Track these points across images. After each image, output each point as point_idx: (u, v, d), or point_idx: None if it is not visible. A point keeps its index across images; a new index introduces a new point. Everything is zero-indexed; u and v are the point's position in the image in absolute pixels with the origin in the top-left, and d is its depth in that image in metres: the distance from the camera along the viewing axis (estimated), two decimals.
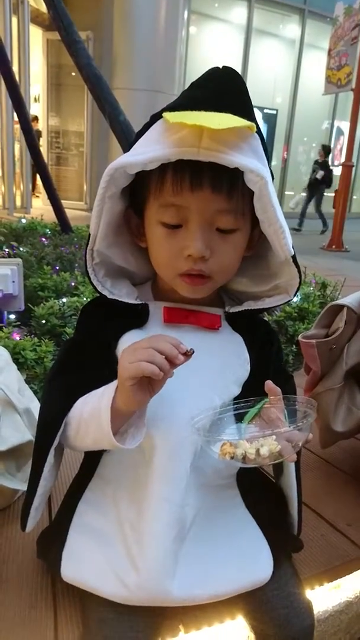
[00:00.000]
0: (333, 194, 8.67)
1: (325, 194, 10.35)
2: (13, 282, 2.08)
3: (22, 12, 7.57)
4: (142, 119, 0.83)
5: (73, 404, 0.81)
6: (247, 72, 11.36)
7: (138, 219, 0.86)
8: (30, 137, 4.04)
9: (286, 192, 12.97)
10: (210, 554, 0.82)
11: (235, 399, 0.86)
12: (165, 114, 0.73)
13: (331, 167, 10.21)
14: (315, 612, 0.88)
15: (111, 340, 0.86)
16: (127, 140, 2.64)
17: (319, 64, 10.39)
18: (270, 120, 12.44)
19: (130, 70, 8.18)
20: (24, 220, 4.40)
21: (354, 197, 14.13)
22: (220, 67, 0.78)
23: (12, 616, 0.86)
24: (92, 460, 0.91)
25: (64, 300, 2.36)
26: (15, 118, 4.79)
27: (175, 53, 8.46)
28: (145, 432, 0.77)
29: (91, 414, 0.77)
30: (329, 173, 10.08)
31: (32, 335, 2.01)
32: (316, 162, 10.37)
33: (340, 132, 13.75)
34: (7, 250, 3.22)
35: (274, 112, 12.48)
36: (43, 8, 5.09)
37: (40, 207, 8.20)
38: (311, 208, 10.30)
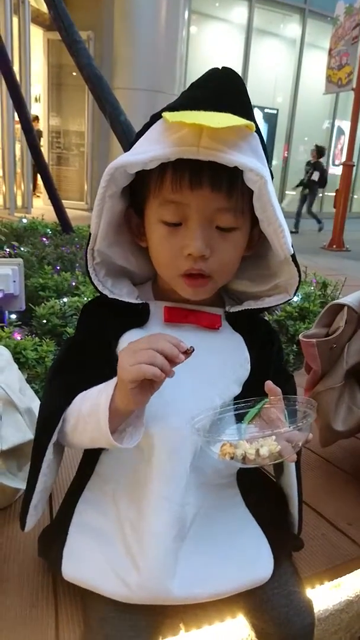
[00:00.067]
0: (333, 194, 8.66)
1: (318, 194, 10.34)
2: (14, 282, 2.09)
3: (22, 12, 7.57)
4: (143, 118, 0.83)
5: (72, 400, 0.81)
6: (247, 72, 11.36)
7: (138, 218, 0.86)
8: (31, 137, 4.05)
9: (287, 192, 12.97)
10: (211, 553, 0.82)
11: (235, 398, 0.86)
12: (165, 114, 0.73)
13: (325, 168, 10.19)
14: (315, 610, 0.88)
15: (112, 339, 0.86)
16: (128, 140, 2.64)
17: (319, 64, 10.38)
18: (271, 119, 12.44)
19: (130, 70, 8.18)
20: (24, 220, 4.40)
21: (355, 196, 14.12)
22: (220, 68, 0.78)
23: (14, 615, 0.87)
24: (91, 459, 0.91)
25: (65, 300, 2.36)
26: (16, 118, 4.79)
27: (176, 53, 8.45)
28: (145, 431, 0.77)
29: (89, 411, 0.77)
30: (323, 173, 10.06)
31: (33, 335, 2.01)
32: (309, 162, 10.32)
33: (341, 131, 13.74)
34: (8, 250, 3.22)
35: (275, 111, 12.48)
36: (44, 8, 5.09)
37: (41, 207, 8.21)
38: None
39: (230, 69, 0.78)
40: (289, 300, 0.89)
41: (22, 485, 1.11)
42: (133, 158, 0.75)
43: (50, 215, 4.42)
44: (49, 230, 4.20)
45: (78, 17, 3.62)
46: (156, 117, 0.79)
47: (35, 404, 1.22)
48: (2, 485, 1.08)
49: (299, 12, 12.12)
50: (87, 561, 0.82)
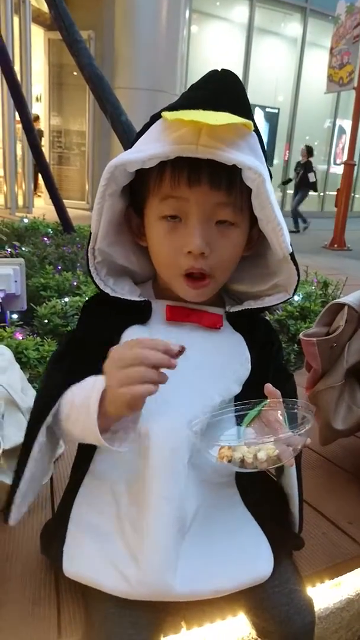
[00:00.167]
0: (335, 193, 8.66)
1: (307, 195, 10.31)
2: (15, 281, 2.09)
3: (23, 12, 7.57)
4: (144, 118, 0.84)
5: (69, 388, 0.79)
6: (248, 71, 11.36)
7: (138, 218, 0.87)
8: (32, 136, 4.05)
9: (288, 192, 12.96)
10: (211, 551, 0.82)
11: (235, 397, 0.87)
12: (164, 113, 0.74)
13: (314, 169, 10.13)
14: (316, 609, 0.88)
15: (114, 336, 0.85)
16: (129, 139, 2.65)
17: (320, 63, 10.38)
18: (272, 119, 12.44)
19: (131, 69, 8.18)
20: (26, 220, 4.41)
21: (356, 195, 14.11)
22: (219, 70, 0.80)
23: (16, 613, 0.87)
24: (85, 456, 0.90)
25: (66, 299, 2.37)
26: (17, 117, 4.80)
27: (177, 52, 8.46)
28: (143, 428, 0.78)
29: (81, 403, 0.74)
30: (314, 174, 10.03)
31: (35, 335, 2.02)
32: (299, 163, 10.27)
33: (342, 130, 13.74)
34: (9, 250, 3.23)
35: (276, 110, 12.48)
36: (44, 8, 5.09)
37: (42, 206, 8.22)
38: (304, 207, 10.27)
39: (230, 71, 0.79)
40: (289, 299, 0.89)
41: None
42: (132, 156, 0.76)
43: (51, 214, 4.43)
44: (50, 230, 4.21)
45: (79, 16, 3.62)
46: (156, 117, 0.80)
47: None
48: (4, 484, 1.08)
49: (300, 11, 12.12)
50: (87, 558, 0.82)
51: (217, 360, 0.87)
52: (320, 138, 13.86)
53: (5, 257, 2.97)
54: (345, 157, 8.47)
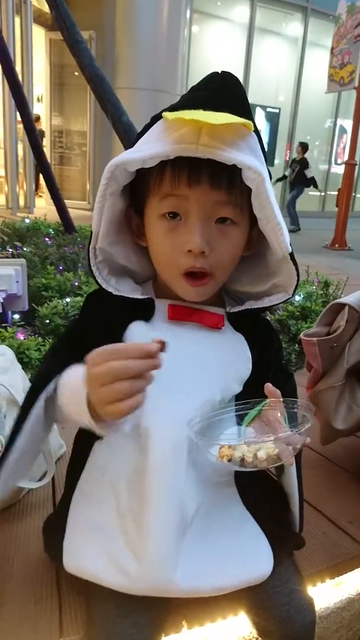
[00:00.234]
0: (336, 193, 8.66)
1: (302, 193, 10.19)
2: (17, 282, 2.10)
3: (24, 12, 7.59)
4: (145, 118, 0.85)
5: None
6: (249, 71, 11.36)
7: (138, 218, 0.87)
8: (34, 137, 4.06)
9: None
10: (211, 549, 0.82)
11: (236, 397, 0.87)
12: (165, 113, 0.74)
13: (309, 165, 9.96)
14: (316, 608, 0.88)
15: (116, 332, 0.84)
16: (130, 140, 2.65)
17: (321, 62, 10.37)
18: (273, 118, 12.43)
19: (132, 69, 8.18)
20: (27, 220, 4.42)
21: (357, 195, 14.10)
22: (219, 72, 0.80)
23: (18, 613, 0.87)
24: (83, 449, 0.90)
25: (68, 300, 2.37)
26: (19, 118, 4.81)
27: (178, 52, 8.45)
28: (143, 425, 0.78)
29: (76, 385, 0.72)
30: (308, 169, 9.85)
31: (36, 335, 2.02)
32: (294, 160, 10.10)
33: (343, 130, 13.72)
34: (10, 250, 3.24)
35: (277, 110, 12.47)
36: (46, 8, 5.10)
37: (44, 206, 8.22)
38: (301, 206, 10.15)
39: (229, 72, 0.80)
40: (289, 299, 0.90)
41: (26, 484, 1.12)
42: (133, 155, 0.76)
43: (52, 215, 4.44)
44: (51, 230, 4.22)
45: (79, 16, 3.63)
46: (156, 118, 0.81)
47: None
48: None
49: (301, 11, 12.11)
50: (87, 552, 0.82)
51: (218, 359, 0.87)
52: (321, 138, 13.85)
53: (7, 257, 2.98)
54: (346, 157, 8.46)
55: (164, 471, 0.79)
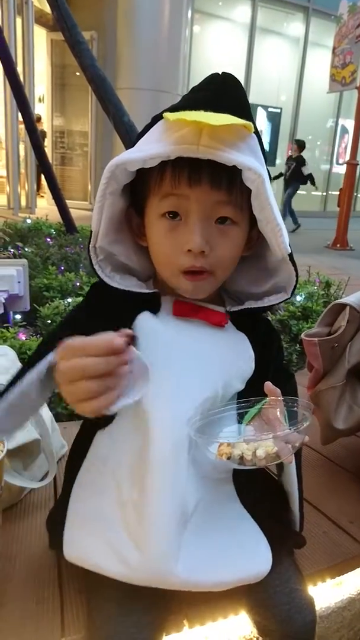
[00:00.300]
0: (337, 193, 8.65)
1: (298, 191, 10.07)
2: (19, 282, 2.11)
3: (26, 13, 7.60)
4: (146, 118, 0.85)
5: None
6: (251, 71, 11.36)
7: (138, 217, 0.88)
8: (35, 137, 4.07)
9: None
10: (211, 544, 0.82)
11: (238, 395, 0.88)
12: (166, 114, 0.75)
13: (306, 163, 9.79)
14: (317, 608, 0.88)
15: (126, 320, 0.84)
16: (131, 140, 2.65)
17: (323, 62, 10.36)
18: (275, 118, 12.43)
19: (134, 70, 8.18)
20: (29, 221, 4.43)
21: (359, 195, 14.09)
22: (220, 73, 0.81)
23: (20, 612, 0.88)
24: (85, 439, 0.90)
25: (69, 300, 2.38)
26: (20, 118, 4.82)
27: (179, 52, 8.45)
28: (146, 414, 0.79)
29: None
30: (305, 166, 9.70)
31: (38, 335, 2.03)
32: (290, 157, 9.95)
33: (344, 130, 13.71)
34: (12, 250, 3.24)
35: (278, 110, 12.47)
36: (47, 8, 5.11)
37: (45, 207, 8.24)
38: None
39: (230, 74, 0.80)
40: (288, 299, 0.90)
41: (28, 484, 1.13)
42: (133, 155, 0.77)
43: (54, 215, 4.44)
44: (53, 230, 4.22)
45: (81, 17, 3.64)
46: (157, 118, 0.81)
47: None
48: (8, 483, 1.09)
49: (303, 11, 12.10)
50: (88, 541, 0.82)
51: (221, 357, 0.88)
52: (322, 138, 13.85)
53: (9, 257, 2.99)
54: (347, 157, 8.46)
55: (166, 464, 0.79)
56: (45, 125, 9.92)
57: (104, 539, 0.81)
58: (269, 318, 2.51)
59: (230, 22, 11.47)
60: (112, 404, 0.59)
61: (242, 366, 0.90)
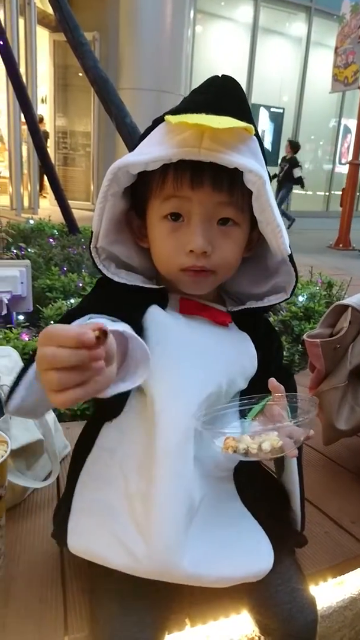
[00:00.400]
0: (340, 193, 8.64)
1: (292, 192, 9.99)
2: (22, 283, 2.12)
3: (28, 14, 7.61)
4: (149, 119, 0.86)
5: None
6: (253, 71, 11.35)
7: (139, 219, 0.89)
8: (38, 138, 4.08)
9: (293, 191, 12.94)
10: (215, 540, 0.82)
11: (241, 393, 0.89)
12: (168, 117, 0.76)
13: (300, 164, 9.70)
14: (319, 607, 0.89)
15: (136, 312, 0.83)
16: (134, 141, 2.66)
17: (325, 62, 10.34)
18: (277, 118, 12.42)
19: (136, 70, 8.20)
20: (31, 221, 4.44)
21: None
22: (220, 75, 0.82)
23: (23, 611, 0.88)
24: (92, 431, 0.91)
25: (72, 301, 2.39)
26: (23, 119, 4.83)
27: (181, 52, 8.46)
28: (153, 407, 0.80)
29: None
30: (297, 168, 9.56)
31: None
32: (284, 158, 9.79)
33: (347, 130, 13.70)
34: (15, 251, 3.25)
35: (281, 110, 12.46)
36: (50, 9, 5.12)
37: (48, 207, 8.25)
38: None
39: (230, 76, 0.81)
40: (287, 299, 0.91)
41: (31, 484, 1.14)
42: (136, 158, 0.78)
43: (56, 215, 4.45)
44: (55, 231, 4.23)
45: (83, 17, 3.65)
46: (158, 121, 0.82)
47: None
48: (11, 483, 1.09)
49: (305, 11, 12.09)
50: (93, 533, 0.82)
51: (225, 354, 0.89)
52: (325, 138, 13.83)
53: (12, 258, 3.00)
54: (350, 157, 8.45)
55: (173, 456, 0.80)
56: (47, 126, 9.92)
57: (110, 530, 0.81)
58: (270, 319, 2.51)
59: (232, 22, 11.46)
60: (79, 400, 0.54)
61: (246, 364, 0.91)
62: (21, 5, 7.37)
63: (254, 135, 0.78)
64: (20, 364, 1.30)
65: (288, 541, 0.94)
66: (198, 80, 0.84)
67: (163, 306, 0.88)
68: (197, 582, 0.80)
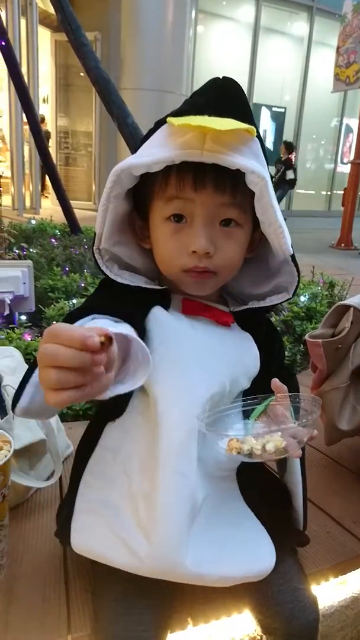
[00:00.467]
0: (342, 192, 8.63)
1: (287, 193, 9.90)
2: (24, 283, 2.12)
3: (30, 14, 7.61)
4: (150, 119, 0.86)
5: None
6: (255, 71, 11.34)
7: (141, 221, 0.89)
8: (39, 138, 4.09)
9: (296, 191, 12.93)
10: (216, 540, 0.83)
11: (243, 393, 0.89)
12: (170, 119, 0.76)
13: (295, 166, 9.64)
14: (320, 607, 0.89)
15: (140, 312, 0.84)
16: (136, 142, 2.66)
17: (327, 62, 10.33)
18: (279, 118, 12.41)
19: (138, 70, 8.19)
20: (33, 222, 4.45)
21: None
22: (220, 77, 0.82)
23: (26, 609, 0.89)
24: (95, 430, 0.91)
25: (74, 301, 2.39)
26: (25, 119, 4.84)
27: (183, 52, 8.45)
28: (158, 406, 0.80)
29: None
30: (294, 171, 9.53)
31: None
32: (279, 159, 9.66)
33: (349, 129, 13.67)
34: (17, 251, 3.26)
35: (283, 110, 12.44)
36: (51, 9, 5.12)
37: (50, 207, 8.26)
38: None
39: (231, 78, 0.82)
40: (289, 299, 0.92)
41: (34, 484, 1.14)
42: (138, 160, 0.78)
43: (58, 215, 4.46)
44: (57, 231, 4.24)
45: (85, 17, 3.65)
46: (160, 123, 0.82)
47: None
48: (14, 483, 1.10)
49: (307, 10, 12.07)
50: (96, 532, 0.83)
51: (230, 354, 0.89)
52: (327, 137, 13.81)
53: (14, 259, 3.00)
54: (352, 156, 8.44)
55: (176, 455, 0.80)
56: (49, 126, 9.93)
57: (113, 529, 0.81)
58: (272, 319, 2.51)
59: (234, 22, 11.45)
60: (69, 403, 0.54)
61: (249, 364, 0.91)
62: (23, 6, 7.38)
63: (256, 136, 0.79)
64: (22, 364, 1.31)
65: (290, 541, 0.94)
66: (200, 80, 0.85)
67: (166, 307, 0.89)
68: (199, 582, 0.81)
